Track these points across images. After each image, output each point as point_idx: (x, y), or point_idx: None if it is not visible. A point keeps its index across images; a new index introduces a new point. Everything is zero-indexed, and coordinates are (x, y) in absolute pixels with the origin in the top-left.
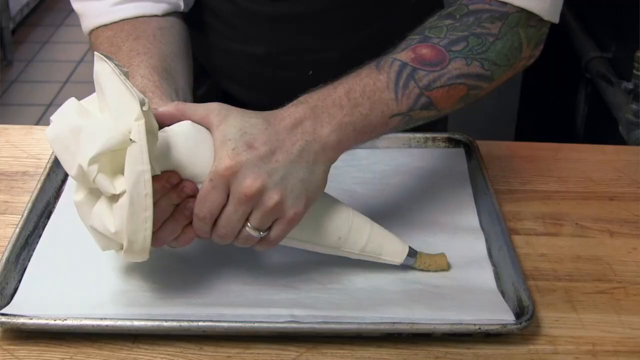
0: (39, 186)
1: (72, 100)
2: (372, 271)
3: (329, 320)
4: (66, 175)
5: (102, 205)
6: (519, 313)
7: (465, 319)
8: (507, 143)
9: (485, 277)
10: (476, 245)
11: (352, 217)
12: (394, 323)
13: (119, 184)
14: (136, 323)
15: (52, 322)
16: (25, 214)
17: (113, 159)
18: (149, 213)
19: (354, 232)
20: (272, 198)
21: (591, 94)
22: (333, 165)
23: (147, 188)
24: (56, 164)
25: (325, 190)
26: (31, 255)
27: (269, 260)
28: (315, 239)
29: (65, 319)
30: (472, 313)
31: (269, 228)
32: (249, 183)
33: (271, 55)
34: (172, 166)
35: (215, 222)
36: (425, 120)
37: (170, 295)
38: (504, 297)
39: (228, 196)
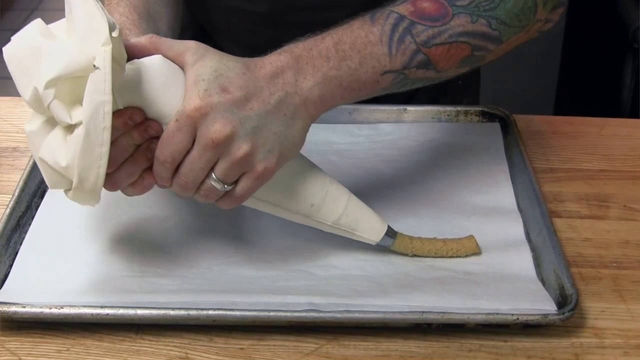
0: (31, 163)
1: (38, 21)
2: (397, 257)
3: (351, 309)
4: None
5: (55, 136)
6: (561, 303)
7: (501, 308)
8: (548, 117)
9: (524, 263)
10: (513, 229)
11: (328, 184)
12: (423, 312)
13: (76, 114)
14: (140, 312)
15: (47, 310)
16: (16, 194)
17: (73, 87)
18: (105, 149)
19: (329, 202)
20: (241, 148)
21: (639, 65)
22: (354, 141)
23: (106, 121)
24: None
25: (345, 168)
26: (23, 238)
27: (283, 244)
28: (285, 203)
29: (62, 307)
30: (509, 302)
31: (236, 182)
32: (217, 128)
33: (273, 14)
34: (138, 102)
35: (177, 169)
36: (423, 83)
37: (177, 282)
38: (544, 285)
39: (194, 141)
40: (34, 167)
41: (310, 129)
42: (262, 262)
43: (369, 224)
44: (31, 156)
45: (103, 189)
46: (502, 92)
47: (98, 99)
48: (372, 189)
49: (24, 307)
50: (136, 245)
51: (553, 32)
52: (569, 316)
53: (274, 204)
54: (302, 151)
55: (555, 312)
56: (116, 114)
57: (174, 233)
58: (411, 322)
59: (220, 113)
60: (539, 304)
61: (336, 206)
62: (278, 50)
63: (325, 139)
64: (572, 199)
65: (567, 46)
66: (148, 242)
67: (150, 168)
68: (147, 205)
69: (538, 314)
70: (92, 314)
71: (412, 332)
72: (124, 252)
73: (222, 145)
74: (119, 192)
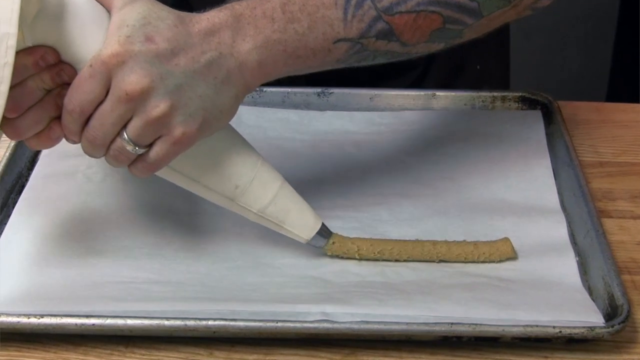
0: (7, 154)
1: None
2: (422, 262)
3: (370, 320)
4: None
5: None
6: (611, 314)
7: (541, 320)
8: (597, 104)
9: (567, 269)
10: (556, 231)
11: (259, 167)
12: (452, 324)
13: None
14: (130, 322)
15: (24, 320)
16: None
17: None
18: (3, 87)
19: (257, 186)
20: (158, 106)
21: None
22: (375, 131)
23: (9, 56)
24: None
25: (364, 161)
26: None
27: (293, 247)
28: (206, 181)
29: (42, 317)
30: (550, 313)
31: (150, 146)
32: (133, 79)
33: None
34: (52, 41)
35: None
36: (387, 58)
37: (172, 289)
38: (590, 294)
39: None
40: (11, 159)
41: (325, 116)
42: (268, 267)
43: (300, 219)
44: (8, 147)
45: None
46: (548, 75)
47: (2, 30)
48: (394, 185)
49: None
50: (126, 247)
51: (606, 11)
52: (619, 329)
53: (193, 179)
54: (315, 141)
55: (604, 324)
56: (26, 51)
57: (169, 234)
58: (438, 335)
59: (139, 64)
60: (585, 315)
61: (264, 192)
62: (219, 7)
63: (342, 127)
64: (625, 197)
65: (622, 27)
66: (139, 244)
67: (59, 118)
68: (139, 202)
69: (584, 327)
70: (76, 324)
71: (439, 347)
72: (112, 255)
73: (136, 100)
74: (108, 187)
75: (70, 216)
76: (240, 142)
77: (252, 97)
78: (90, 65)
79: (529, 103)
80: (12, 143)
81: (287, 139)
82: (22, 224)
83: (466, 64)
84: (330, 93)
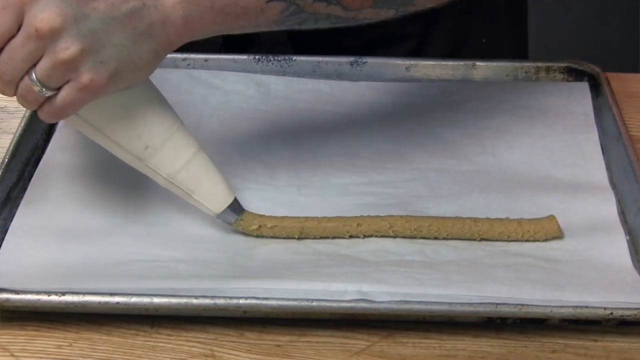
0: (22, 125)
1: None
2: (463, 240)
3: (410, 300)
4: None
5: None
6: None
7: (590, 301)
8: None
9: (617, 249)
10: (604, 208)
11: (175, 129)
12: (497, 304)
13: None
14: (156, 300)
15: (45, 297)
16: (5, 162)
17: None
18: None
19: (169, 149)
20: (68, 48)
21: None
22: (412, 103)
23: None
24: None
25: (401, 134)
26: (14, 213)
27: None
28: (116, 136)
29: (63, 294)
30: (599, 294)
31: (59, 90)
32: (45, 16)
33: None
34: None
35: None
36: (330, 22)
37: (198, 267)
38: None
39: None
40: (27, 130)
41: (358, 87)
42: (300, 244)
43: (211, 190)
44: (23, 117)
45: None
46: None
47: None
48: (431, 160)
49: (18, 293)
50: (149, 224)
51: None
52: None
53: (103, 133)
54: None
55: None
56: None
57: (194, 210)
58: (482, 316)
59: (54, 2)
60: (636, 297)
61: (176, 157)
62: None
63: (375, 99)
64: None
65: None
66: (163, 220)
67: None
68: None
69: (636, 309)
70: (99, 303)
71: (483, 329)
72: (134, 232)
73: (46, 39)
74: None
75: (88, 190)
76: (157, 102)
77: (281, 66)
78: None
79: (576, 74)
80: (27, 113)
81: (318, 111)
82: (39, 198)
83: (470, 36)
84: (364, 62)
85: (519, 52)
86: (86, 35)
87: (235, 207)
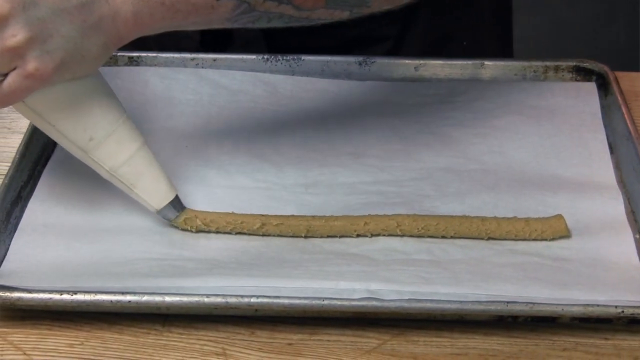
0: (32, 125)
1: None
2: (471, 239)
3: (421, 298)
4: None
5: None
6: None
7: (598, 299)
8: None
9: (625, 247)
10: (612, 208)
11: (121, 124)
12: (507, 302)
13: None
14: (168, 299)
15: (57, 296)
16: (15, 161)
17: None
18: None
19: (113, 142)
20: (14, 35)
21: None
22: (420, 102)
23: None
24: None
25: (409, 133)
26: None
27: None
28: (62, 126)
29: (75, 293)
30: (608, 293)
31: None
32: None
33: None
34: None
35: None
36: (284, 22)
37: (207, 266)
38: None
39: None
40: (36, 130)
41: (367, 87)
42: (308, 243)
43: (152, 185)
44: None
45: None
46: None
47: None
48: (439, 159)
49: (30, 292)
50: (158, 222)
51: None
52: None
53: (49, 122)
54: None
55: None
56: None
57: (202, 208)
58: (493, 315)
59: None
60: None
61: (120, 150)
62: None
63: (385, 98)
64: None
65: None
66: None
67: None
68: (169, 174)
69: None
70: (111, 301)
71: (493, 327)
72: (142, 230)
73: None
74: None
75: (97, 189)
76: (105, 95)
77: (290, 65)
78: None
79: (584, 73)
80: None
81: (326, 111)
82: (48, 197)
83: (450, 38)
84: (373, 62)
85: (502, 55)
86: (34, 23)
87: (177, 204)
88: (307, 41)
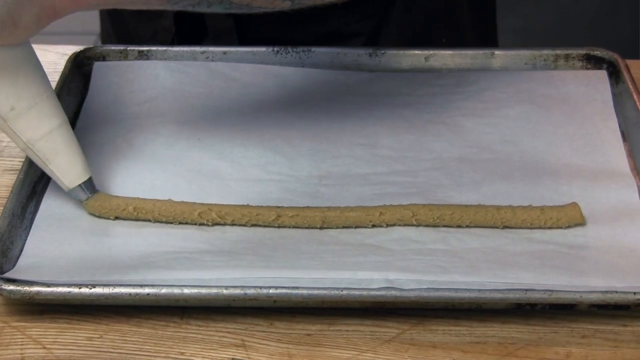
0: None
1: None
2: (486, 229)
3: (439, 287)
4: (81, 102)
5: None
6: None
7: (616, 286)
8: None
9: None
10: (626, 195)
11: (45, 98)
12: (526, 290)
13: None
14: (187, 291)
15: (75, 290)
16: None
17: None
18: None
19: (34, 115)
20: None
21: None
22: (430, 92)
23: None
24: (66, 89)
25: (420, 124)
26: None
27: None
28: None
29: (94, 287)
30: (625, 280)
31: None
32: None
33: None
34: None
35: None
36: (224, 7)
37: (225, 258)
38: None
39: None
40: None
41: (378, 77)
42: (324, 234)
43: (68, 164)
44: None
45: None
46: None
47: None
48: (451, 149)
49: (49, 286)
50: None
51: None
52: None
53: None
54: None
55: None
56: None
57: (215, 201)
58: (512, 303)
59: None
60: None
61: (40, 124)
62: None
63: (395, 89)
64: None
65: None
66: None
67: None
68: (183, 167)
69: None
70: (129, 294)
71: (511, 315)
72: (157, 223)
73: None
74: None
75: (111, 183)
76: (32, 67)
77: (300, 57)
78: None
79: (594, 61)
80: None
81: (337, 102)
82: (62, 192)
83: (427, 35)
84: (383, 53)
85: None
86: None
87: (89, 187)
88: (280, 35)
